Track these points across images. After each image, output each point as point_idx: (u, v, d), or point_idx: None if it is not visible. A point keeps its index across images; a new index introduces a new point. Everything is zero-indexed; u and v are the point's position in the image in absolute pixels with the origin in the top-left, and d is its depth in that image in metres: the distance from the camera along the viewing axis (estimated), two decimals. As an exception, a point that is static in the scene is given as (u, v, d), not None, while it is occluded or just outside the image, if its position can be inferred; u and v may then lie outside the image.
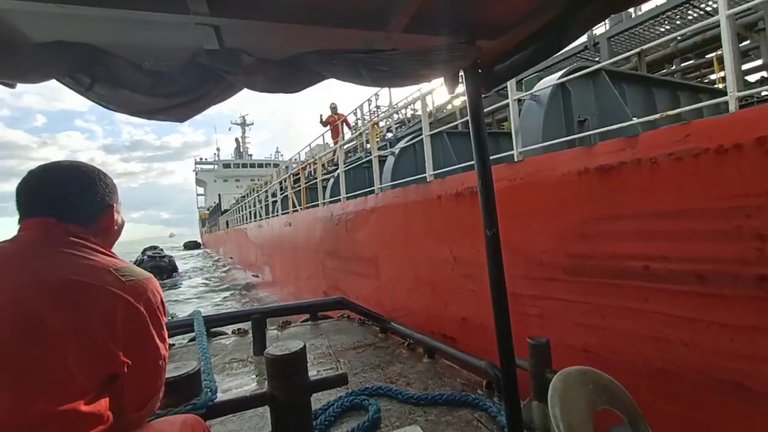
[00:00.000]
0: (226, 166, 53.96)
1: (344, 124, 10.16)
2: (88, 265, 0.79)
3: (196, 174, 54.36)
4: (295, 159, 15.16)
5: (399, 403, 1.93)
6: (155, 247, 19.62)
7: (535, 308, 2.73)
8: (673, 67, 5.76)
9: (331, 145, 9.62)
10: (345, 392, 2.00)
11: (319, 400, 1.91)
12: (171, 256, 17.75)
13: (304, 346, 1.28)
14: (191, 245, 52.19)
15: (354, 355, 2.65)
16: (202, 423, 1.05)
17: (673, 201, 1.88)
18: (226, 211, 27.15)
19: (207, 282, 15.13)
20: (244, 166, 53.70)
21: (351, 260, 5.18)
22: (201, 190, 54.40)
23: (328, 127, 10.29)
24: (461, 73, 1.41)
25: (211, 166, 54.89)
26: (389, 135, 8.94)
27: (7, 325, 0.69)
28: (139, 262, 15.97)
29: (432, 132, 3.74)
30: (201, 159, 56.55)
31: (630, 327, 2.19)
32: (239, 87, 1.09)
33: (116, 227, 0.94)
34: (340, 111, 10.78)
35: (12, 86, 1.05)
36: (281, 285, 9.02)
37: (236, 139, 59.61)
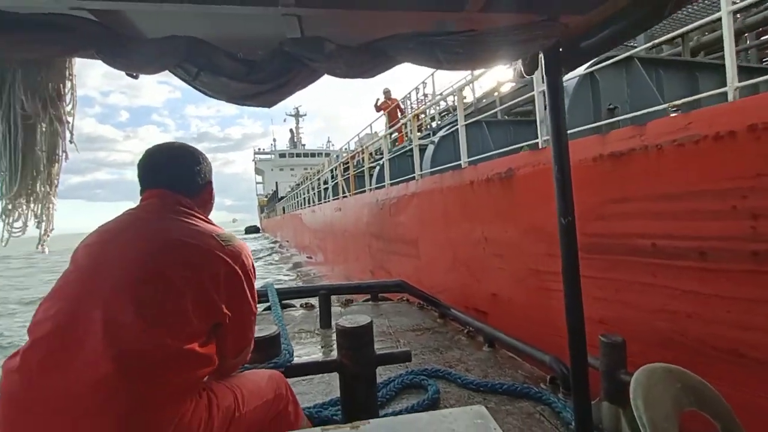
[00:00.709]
0: (282, 155, 56.97)
1: (398, 109, 10.16)
2: (196, 230, 0.92)
3: (255, 163, 58.04)
4: (345, 148, 15.83)
5: (458, 387, 1.91)
6: (256, 229, 21.86)
7: (556, 283, 2.98)
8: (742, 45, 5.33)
9: (387, 129, 9.74)
10: (405, 370, 2.02)
11: (380, 374, 1.89)
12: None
13: (371, 321, 1.31)
14: (252, 230, 55.95)
15: (413, 337, 2.66)
16: (284, 378, 1.19)
17: (677, 184, 2.07)
18: (282, 198, 29.03)
19: (270, 262, 16.51)
20: (298, 155, 56.30)
21: (394, 242, 5.64)
22: (259, 178, 58.16)
23: (382, 112, 10.40)
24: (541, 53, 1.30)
25: (269, 156, 58.30)
26: (435, 123, 9.15)
27: (142, 274, 0.83)
28: None
29: (468, 122, 4.01)
30: (259, 149, 60.13)
31: (640, 300, 2.40)
32: (321, 73, 1.13)
33: (212, 200, 1.10)
34: (393, 96, 10.77)
35: (135, 77, 1.18)
36: (332, 265, 9.79)
37: (290, 130, 62.55)
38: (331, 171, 10.44)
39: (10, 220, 1.21)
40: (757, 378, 1.92)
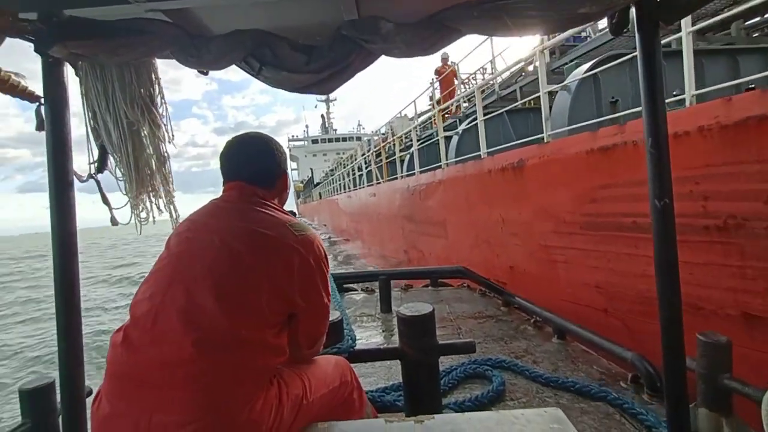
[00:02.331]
0: (314, 141, 58.36)
1: (454, 76, 9.40)
2: (270, 221, 0.93)
3: (290, 150, 59.85)
4: (375, 131, 16.40)
5: (525, 379, 1.78)
6: (293, 213, 23.27)
7: (562, 256, 3.53)
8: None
9: (439, 99, 9.40)
10: (468, 359, 1.92)
11: (442, 362, 1.85)
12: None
13: (433, 310, 1.26)
14: (290, 214, 58.27)
15: (475, 325, 2.55)
16: (349, 364, 1.19)
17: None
18: (318, 183, 30.28)
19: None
20: (330, 140, 57.45)
21: (424, 224, 6.30)
22: (294, 164, 60.08)
23: (437, 79, 9.69)
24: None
25: (302, 143, 59.90)
26: (465, 104, 9.43)
27: (225, 261, 0.86)
28: None
29: (487, 117, 4.53)
30: (293, 136, 61.74)
31: (626, 267, 2.92)
32: (377, 55, 1.11)
33: (287, 189, 1.10)
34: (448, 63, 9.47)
35: (206, 74, 1.21)
36: (368, 246, 10.62)
37: (322, 115, 63.63)
38: (365, 158, 11.16)
39: (137, 212, 1.37)
40: (710, 324, 2.44)
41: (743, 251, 2.27)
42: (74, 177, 1.17)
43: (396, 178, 7.83)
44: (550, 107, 3.56)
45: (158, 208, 1.39)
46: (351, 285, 3.67)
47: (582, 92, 3.48)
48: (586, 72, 3.39)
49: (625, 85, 3.58)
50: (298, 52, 1.11)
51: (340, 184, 16.62)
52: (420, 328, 1.24)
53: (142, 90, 1.25)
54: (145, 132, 1.29)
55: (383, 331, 2.51)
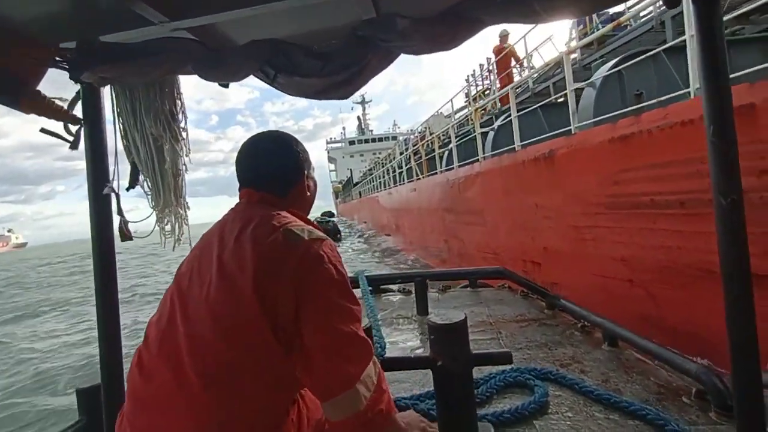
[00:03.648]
0: (351, 143, 59.93)
1: (513, 57, 8.79)
2: (265, 230, 0.82)
3: (328, 152, 61.94)
4: (411, 131, 16.95)
5: (573, 392, 1.63)
6: (331, 213, 24.42)
7: (590, 234, 3.96)
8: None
9: (497, 83, 8.58)
10: (510, 367, 1.78)
11: (480, 369, 1.77)
12: (335, 221, 21.26)
13: (465, 318, 1.18)
14: (327, 214, 60.35)
15: (516, 329, 2.41)
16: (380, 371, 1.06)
17: (662, 155, 2.98)
18: (357, 183, 31.37)
19: (360, 240, 18.53)
20: (366, 141, 58.74)
21: (464, 213, 6.82)
22: (332, 166, 62.10)
23: (494, 60, 9.21)
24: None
25: (339, 144, 61.75)
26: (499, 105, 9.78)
27: (220, 287, 0.78)
28: None
29: (521, 113, 5.00)
30: (331, 139, 63.78)
31: (647, 241, 3.33)
32: (396, 54, 1.08)
33: (309, 193, 1.00)
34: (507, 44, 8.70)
35: (226, 86, 1.23)
36: (410, 239, 11.25)
37: (358, 117, 65.21)
38: (404, 156, 11.81)
39: (162, 226, 1.38)
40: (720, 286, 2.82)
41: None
42: (110, 190, 1.25)
43: (436, 173, 8.39)
44: (578, 102, 4.00)
45: (182, 219, 1.42)
46: (388, 286, 3.60)
47: (606, 87, 3.90)
48: (610, 69, 3.80)
49: (649, 78, 3.94)
50: (313, 57, 1.11)
51: (379, 182, 17.40)
52: (451, 337, 1.15)
53: (165, 106, 1.30)
54: (167, 147, 1.32)
55: (420, 335, 2.42)
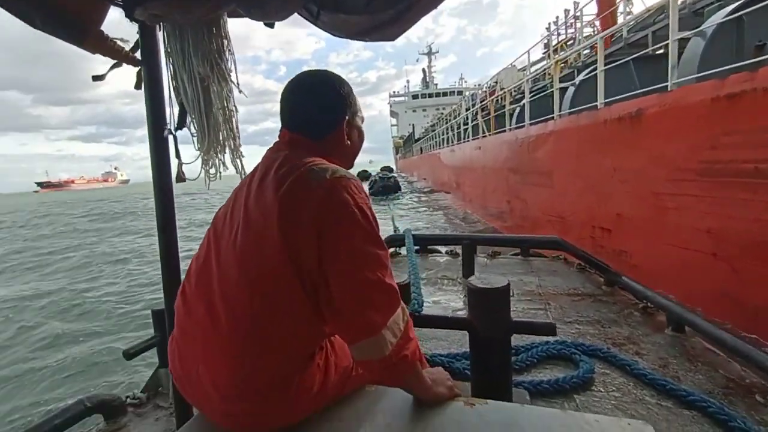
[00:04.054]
0: (414, 97, 58.11)
1: None
2: (287, 170, 0.79)
3: (390, 106, 60.92)
4: (479, 86, 16.05)
5: (622, 374, 1.52)
6: (390, 168, 24.76)
7: (672, 202, 3.69)
8: None
9: (597, 24, 8.17)
10: (555, 339, 1.71)
11: (523, 338, 1.72)
12: (395, 177, 21.24)
13: (509, 284, 1.13)
14: (387, 169, 60.74)
15: (568, 302, 2.28)
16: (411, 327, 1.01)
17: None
18: (419, 139, 30.90)
19: (419, 196, 18.65)
20: (430, 95, 56.53)
21: (530, 174, 6.58)
22: (394, 120, 61.22)
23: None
24: None
25: (402, 98, 60.24)
26: (586, 51, 8.82)
27: (246, 230, 0.78)
28: (373, 182, 20.86)
29: (608, 66, 4.57)
30: (394, 92, 62.39)
31: (740, 212, 3.05)
32: None
33: (349, 141, 0.91)
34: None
35: (272, 26, 1.22)
36: (470, 198, 11.14)
37: (423, 70, 62.44)
38: (470, 113, 11.35)
39: (207, 168, 1.36)
40: None
41: None
42: (168, 130, 1.26)
43: (504, 131, 8.06)
44: (680, 55, 3.57)
45: (223, 163, 1.37)
46: (435, 246, 3.53)
47: (719, 37, 3.41)
48: (728, 15, 3.31)
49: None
50: None
51: (442, 139, 17.02)
52: (491, 303, 1.12)
53: (213, 46, 1.26)
54: (215, 88, 1.29)
55: (463, 297, 2.35)
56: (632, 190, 4.19)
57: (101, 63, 1.26)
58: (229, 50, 1.30)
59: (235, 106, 1.37)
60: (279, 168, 0.80)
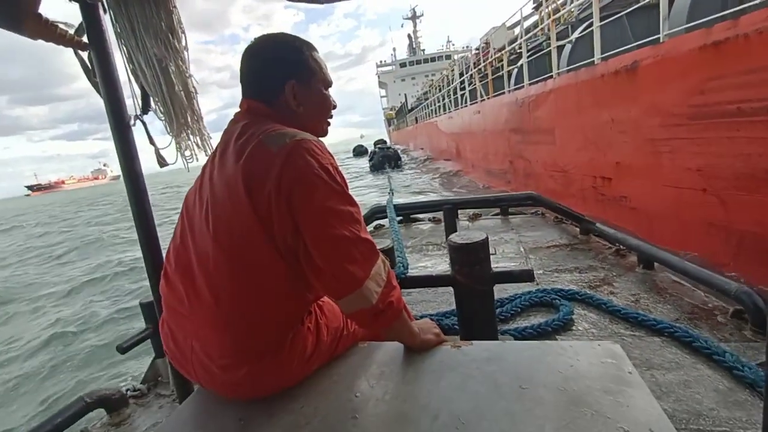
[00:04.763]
0: (402, 65, 56.91)
1: None
2: (245, 137, 0.79)
3: (378, 77, 59.69)
4: (467, 46, 15.91)
5: (599, 312, 1.64)
6: (383, 141, 25.11)
7: (667, 147, 4.08)
8: None
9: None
10: (536, 288, 1.83)
11: (506, 290, 1.85)
12: (395, 148, 21.26)
13: (487, 237, 1.18)
14: (380, 143, 60.36)
15: (547, 254, 2.41)
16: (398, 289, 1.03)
17: (758, 61, 2.99)
18: (412, 109, 30.71)
19: (419, 167, 18.82)
20: (418, 62, 55.39)
21: (532, 133, 6.91)
22: (383, 92, 60.14)
23: None
24: None
25: (390, 68, 58.94)
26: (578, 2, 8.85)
27: (217, 202, 0.78)
28: (372, 154, 21.16)
29: (603, 23, 4.81)
30: (381, 62, 60.88)
31: (725, 149, 3.44)
32: None
33: (299, 106, 0.86)
34: None
35: None
36: (471, 162, 11.47)
37: (408, 35, 60.76)
38: (466, 77, 11.47)
39: (182, 151, 1.31)
40: None
41: None
42: (129, 119, 1.19)
43: (503, 93, 8.29)
44: (670, 6, 3.84)
45: (197, 145, 1.33)
46: (418, 215, 3.60)
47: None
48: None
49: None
50: None
51: (438, 106, 17.11)
52: (471, 256, 1.17)
53: (162, 23, 1.18)
54: (172, 68, 1.22)
55: (448, 260, 2.68)
56: (630, 139, 4.55)
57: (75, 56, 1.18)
58: (181, 28, 1.23)
59: (194, 86, 1.31)
60: (238, 138, 0.80)
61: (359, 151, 40.29)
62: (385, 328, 0.83)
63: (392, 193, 6.90)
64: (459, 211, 3.06)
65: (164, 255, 0.92)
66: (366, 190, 14.77)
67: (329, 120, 0.94)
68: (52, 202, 61.31)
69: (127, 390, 1.55)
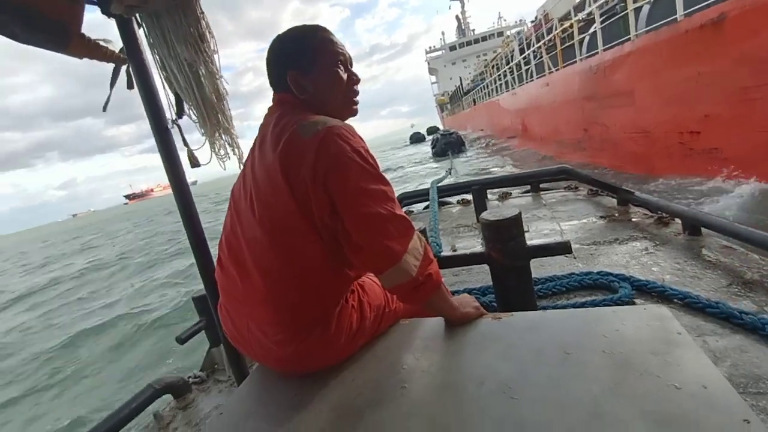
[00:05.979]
0: (452, 48, 55.73)
1: None
2: (279, 127, 0.83)
3: (428, 63, 59.12)
4: (521, 20, 15.52)
5: (646, 292, 1.49)
6: (436, 128, 25.40)
7: (758, 93, 4.16)
8: None
9: None
10: (580, 271, 1.72)
11: (542, 266, 1.83)
12: (459, 134, 20.61)
13: (520, 212, 1.17)
14: (432, 130, 59.56)
15: (583, 228, 2.31)
16: (437, 266, 1.05)
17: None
18: (468, 91, 30.39)
19: (485, 149, 18.66)
20: (468, 43, 53.91)
21: (607, 98, 7.02)
22: (434, 78, 59.35)
23: None
24: None
25: (439, 53, 57.99)
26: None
27: (259, 190, 0.83)
28: (435, 141, 21.06)
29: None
30: (430, 47, 60.20)
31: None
32: None
33: (300, 92, 0.89)
34: None
35: None
36: (540, 136, 11.54)
37: (456, 17, 59.27)
38: (532, 52, 11.48)
39: (216, 151, 1.40)
40: None
41: None
42: (168, 122, 1.26)
43: (574, 62, 8.39)
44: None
45: (229, 144, 1.40)
46: (447, 199, 3.59)
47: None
48: None
49: None
50: None
51: (498, 85, 17.07)
52: (505, 233, 1.17)
53: (191, 29, 1.25)
54: (203, 71, 1.29)
55: (481, 239, 2.34)
56: (719, 89, 4.66)
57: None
58: (210, 32, 1.30)
59: (225, 87, 1.37)
60: (274, 129, 0.84)
61: (416, 138, 43.15)
62: (425, 302, 0.85)
63: (450, 173, 6.95)
64: (488, 192, 3.05)
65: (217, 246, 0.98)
66: (425, 171, 15.08)
67: (354, 98, 0.95)
68: (147, 207, 68.90)
69: (188, 377, 1.65)
